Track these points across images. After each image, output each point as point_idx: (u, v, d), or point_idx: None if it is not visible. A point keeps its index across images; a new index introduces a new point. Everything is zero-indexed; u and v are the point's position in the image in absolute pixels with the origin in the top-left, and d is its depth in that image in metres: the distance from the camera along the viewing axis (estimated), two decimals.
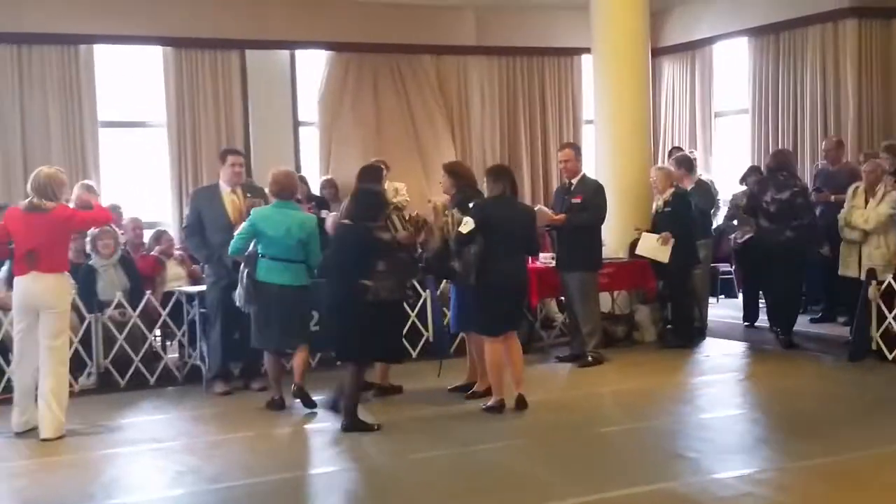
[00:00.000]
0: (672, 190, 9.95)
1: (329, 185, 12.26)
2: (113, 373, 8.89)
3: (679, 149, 12.49)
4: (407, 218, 8.43)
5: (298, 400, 7.81)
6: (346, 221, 7.45)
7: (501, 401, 7.59)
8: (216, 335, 8.53)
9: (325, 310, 8.05)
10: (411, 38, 13.43)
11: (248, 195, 8.52)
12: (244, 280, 7.78)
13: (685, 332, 10.08)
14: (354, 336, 7.23)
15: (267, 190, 8.29)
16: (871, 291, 8.93)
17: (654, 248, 9.80)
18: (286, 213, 7.85)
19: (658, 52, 13.82)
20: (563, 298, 9.92)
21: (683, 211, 9.91)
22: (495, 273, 7.47)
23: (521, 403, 7.58)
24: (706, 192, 10.85)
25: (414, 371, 9.02)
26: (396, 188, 11.60)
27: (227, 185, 8.56)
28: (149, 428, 7.59)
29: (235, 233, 7.99)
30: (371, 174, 8.13)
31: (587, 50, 11.94)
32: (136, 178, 12.68)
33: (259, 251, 7.80)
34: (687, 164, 10.79)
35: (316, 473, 6.41)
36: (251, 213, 7.99)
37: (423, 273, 8.38)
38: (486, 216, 7.48)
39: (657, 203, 10.09)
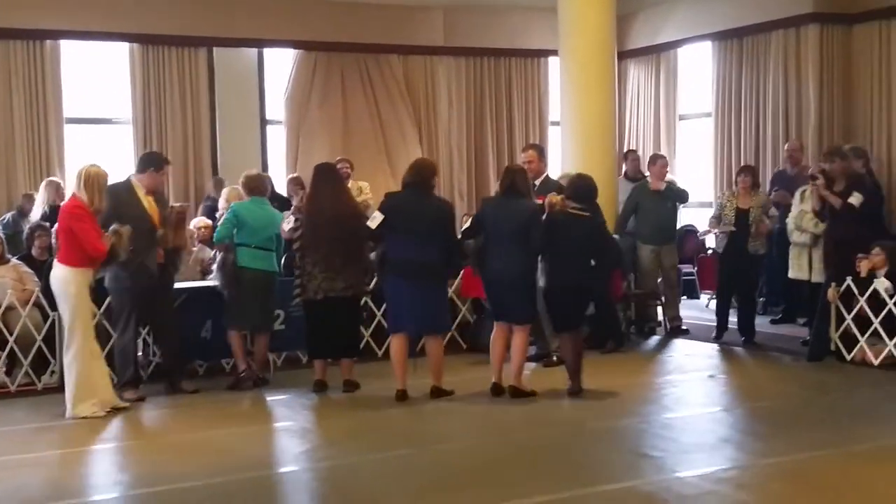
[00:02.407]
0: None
1: (295, 182, 12.19)
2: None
3: (634, 151, 12.64)
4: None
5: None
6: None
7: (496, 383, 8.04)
8: (128, 340, 8.20)
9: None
10: (379, 38, 13.46)
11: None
12: (225, 266, 8.54)
13: (616, 334, 10.17)
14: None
15: (240, 187, 8.99)
16: (831, 293, 9.08)
17: None
18: (263, 207, 8.79)
19: (623, 56, 13.94)
20: None
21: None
22: (486, 267, 7.99)
23: (514, 393, 7.96)
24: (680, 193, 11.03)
25: (377, 371, 9.07)
26: (360, 187, 11.65)
27: (144, 189, 8.21)
28: (112, 426, 7.56)
29: (219, 223, 8.82)
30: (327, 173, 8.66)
31: (554, 52, 12.04)
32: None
33: (236, 240, 8.56)
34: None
35: (279, 473, 6.39)
36: (232, 205, 8.85)
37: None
38: (482, 215, 8.09)
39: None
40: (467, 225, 8.22)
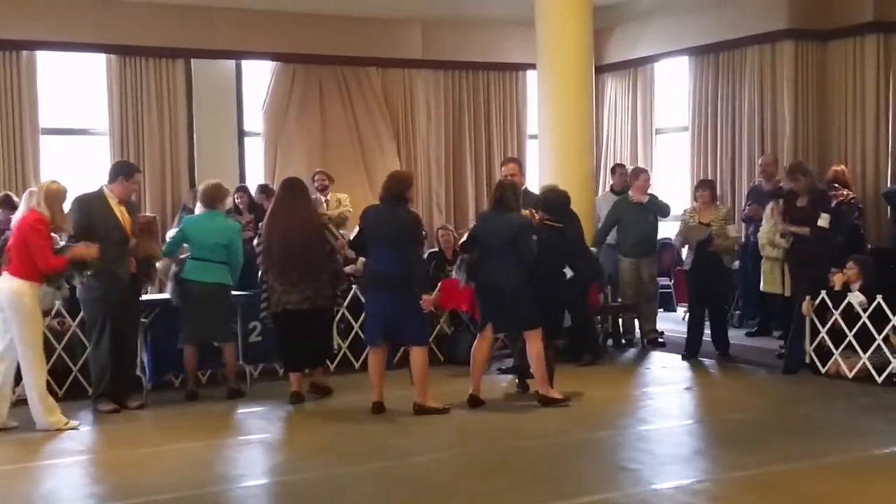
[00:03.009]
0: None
1: (264, 190, 12.11)
2: (51, 382, 8.75)
3: (621, 165, 12.67)
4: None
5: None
6: None
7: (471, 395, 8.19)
8: (102, 351, 8.14)
9: None
10: (358, 51, 13.46)
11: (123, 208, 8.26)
12: (172, 279, 8.68)
13: (593, 347, 10.20)
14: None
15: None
16: (805, 306, 9.14)
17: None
18: (211, 219, 8.77)
19: (601, 70, 14.01)
20: None
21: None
22: (481, 279, 8.22)
23: (543, 401, 8.16)
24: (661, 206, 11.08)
25: (355, 382, 9.06)
26: (339, 199, 11.65)
27: (116, 199, 8.16)
28: (84, 438, 7.52)
29: (168, 238, 9.01)
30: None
31: (532, 65, 12.09)
32: (78, 187, 12.48)
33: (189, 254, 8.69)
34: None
35: (251, 486, 6.34)
36: (182, 220, 9.05)
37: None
38: (476, 229, 8.40)
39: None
40: (463, 239, 8.42)
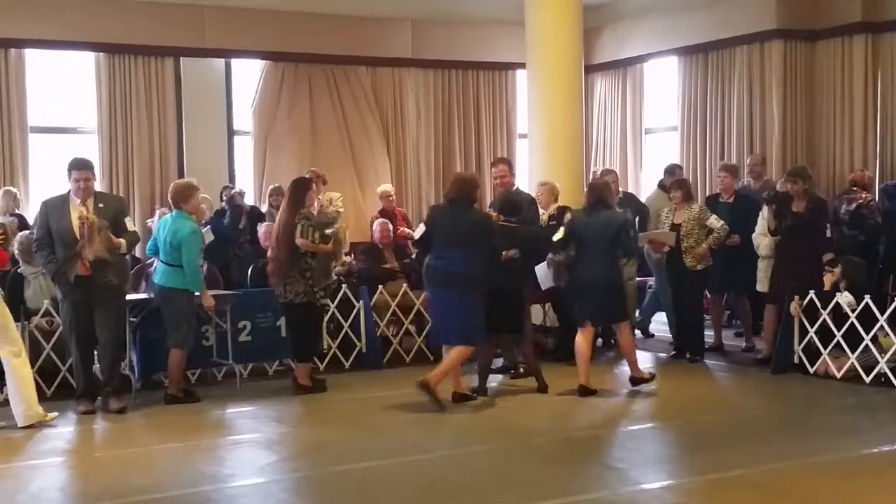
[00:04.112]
0: (555, 205, 10.04)
1: (276, 192, 12.03)
2: (39, 382, 8.74)
3: (612, 172, 12.61)
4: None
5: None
6: None
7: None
8: (74, 353, 8.18)
9: None
10: (347, 49, 13.46)
11: (101, 205, 8.07)
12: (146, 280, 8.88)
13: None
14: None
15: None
16: (793, 307, 9.17)
17: (548, 273, 9.41)
18: (172, 220, 8.61)
19: (590, 69, 14.04)
20: None
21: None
22: (578, 274, 8.69)
23: (634, 381, 8.77)
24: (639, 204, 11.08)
25: (345, 382, 9.07)
26: (331, 198, 11.62)
27: (77, 198, 8.05)
28: (73, 438, 7.50)
29: None
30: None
31: (522, 65, 12.10)
32: (66, 185, 12.46)
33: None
34: None
35: (239, 486, 6.31)
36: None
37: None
38: (573, 227, 8.79)
39: (543, 218, 9.98)
40: (557, 238, 8.78)
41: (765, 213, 10.03)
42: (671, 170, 11.79)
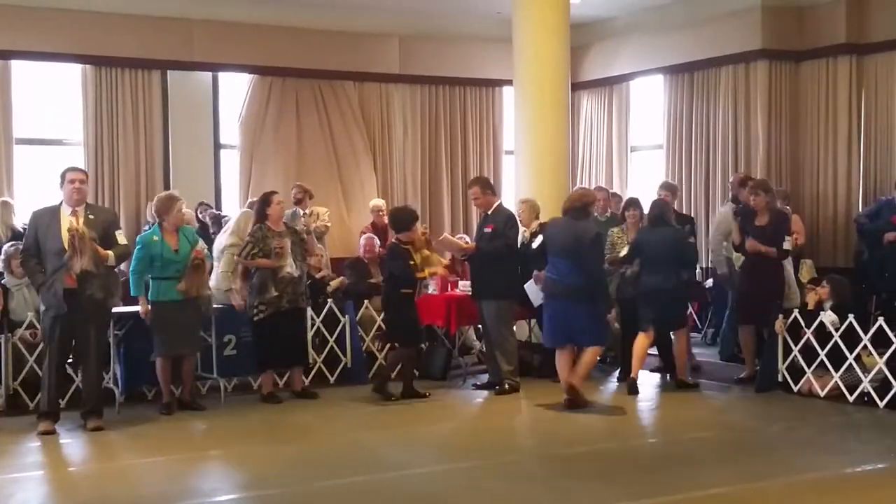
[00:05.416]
0: (537, 222, 10.06)
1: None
2: (22, 394, 8.70)
3: (604, 189, 12.60)
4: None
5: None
6: None
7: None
8: (45, 367, 7.94)
9: None
10: (335, 64, 13.49)
11: (91, 216, 7.96)
12: None
13: None
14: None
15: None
16: (778, 325, 9.21)
17: (537, 289, 9.55)
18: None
19: (577, 87, 14.10)
20: (479, 326, 10.03)
21: None
22: (643, 285, 9.42)
23: (680, 385, 9.50)
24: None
25: (331, 396, 9.04)
26: (318, 213, 11.61)
27: (69, 207, 7.94)
28: (54, 452, 7.45)
29: None
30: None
31: (509, 81, 12.14)
32: (52, 197, 12.40)
33: None
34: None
35: (221, 500, 6.29)
36: None
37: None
38: (636, 242, 9.56)
39: (524, 235, 10.00)
40: (623, 255, 9.60)
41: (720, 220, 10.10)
42: (666, 186, 11.79)
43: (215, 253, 9.52)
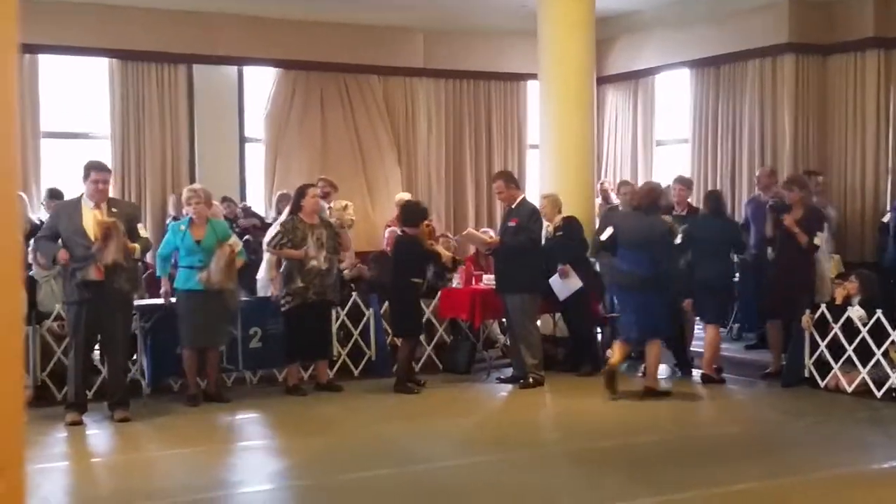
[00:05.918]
0: (560, 216, 10.05)
1: (284, 199, 11.95)
2: (50, 386, 8.76)
3: (627, 184, 12.58)
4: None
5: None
6: None
7: None
8: (71, 359, 7.97)
9: None
10: (359, 58, 13.50)
11: (114, 210, 7.97)
12: None
13: (592, 357, 10.05)
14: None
15: None
16: (805, 320, 9.14)
17: (562, 283, 9.69)
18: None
19: (602, 81, 14.02)
20: (504, 320, 10.02)
21: (574, 236, 10.00)
22: (696, 276, 9.42)
23: (705, 379, 9.46)
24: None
25: (355, 389, 9.06)
26: (346, 205, 11.58)
27: (91, 201, 7.92)
28: (83, 442, 7.50)
29: None
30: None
31: (534, 76, 12.10)
32: (78, 190, 12.49)
33: None
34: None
35: (248, 492, 6.32)
36: None
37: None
38: (690, 231, 9.54)
39: (548, 229, 10.04)
40: (679, 241, 9.43)
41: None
42: (680, 180, 11.72)
43: (265, 245, 9.53)
